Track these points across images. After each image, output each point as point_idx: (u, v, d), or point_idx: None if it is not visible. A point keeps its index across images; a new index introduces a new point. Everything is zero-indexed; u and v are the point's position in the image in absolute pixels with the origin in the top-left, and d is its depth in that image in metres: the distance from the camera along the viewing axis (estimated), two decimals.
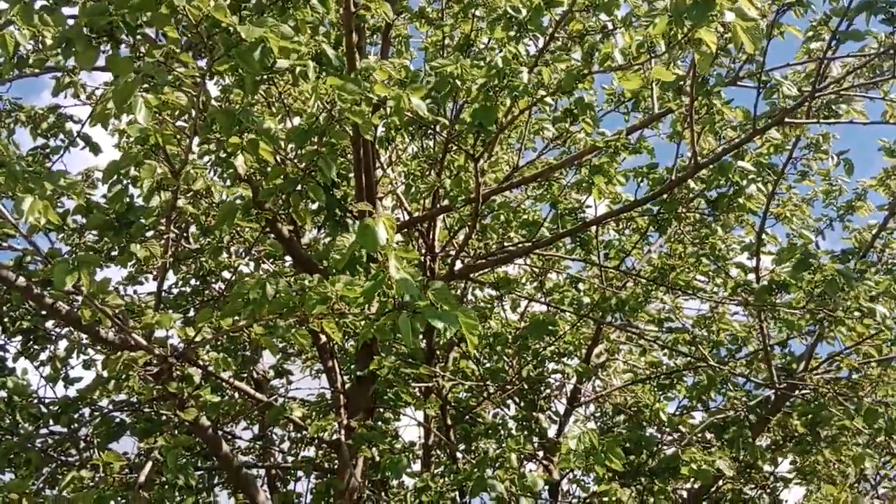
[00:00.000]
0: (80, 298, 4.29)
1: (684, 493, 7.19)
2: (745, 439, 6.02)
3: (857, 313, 5.43)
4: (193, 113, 3.76)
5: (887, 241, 7.30)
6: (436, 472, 6.02)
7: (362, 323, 3.64)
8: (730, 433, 6.09)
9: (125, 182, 4.36)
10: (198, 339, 4.31)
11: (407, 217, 7.03)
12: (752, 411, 6.59)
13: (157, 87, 3.52)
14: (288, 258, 6.66)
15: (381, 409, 6.40)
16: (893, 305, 5.54)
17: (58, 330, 6.45)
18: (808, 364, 6.58)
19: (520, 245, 6.60)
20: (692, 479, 6.23)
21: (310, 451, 7.82)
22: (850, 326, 5.54)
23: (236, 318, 3.88)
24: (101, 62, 3.68)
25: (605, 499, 5.05)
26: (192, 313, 6.77)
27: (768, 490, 7.22)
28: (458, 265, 6.56)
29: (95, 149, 6.57)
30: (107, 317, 4.22)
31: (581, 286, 7.29)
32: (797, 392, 6.29)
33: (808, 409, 5.75)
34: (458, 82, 4.33)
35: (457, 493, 6.37)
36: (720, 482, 6.83)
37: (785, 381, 6.25)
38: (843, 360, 6.39)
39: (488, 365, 7.33)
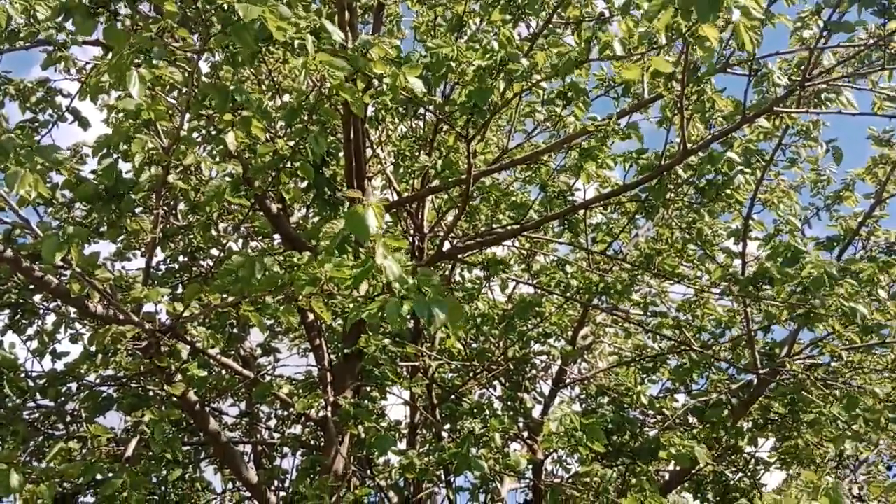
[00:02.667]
0: (68, 272, 4.30)
1: (667, 475, 7.29)
2: (725, 421, 6.10)
3: (837, 311, 5.47)
4: (186, 88, 3.76)
5: (872, 229, 7.36)
6: (421, 450, 6.08)
7: (351, 304, 3.67)
8: (711, 415, 6.17)
9: (115, 156, 4.36)
10: (186, 314, 4.33)
11: (396, 197, 7.05)
12: (734, 395, 6.67)
13: (152, 62, 3.52)
14: (277, 236, 6.67)
15: (368, 388, 6.45)
16: (870, 301, 5.60)
17: (45, 304, 6.46)
18: (791, 349, 6.66)
19: (508, 227, 6.63)
20: (673, 462, 6.31)
21: (296, 429, 7.88)
22: (829, 324, 5.60)
23: (224, 294, 3.90)
24: (93, 37, 3.67)
25: (587, 479, 5.12)
26: (180, 289, 6.78)
27: (749, 473, 7.32)
28: (447, 246, 6.58)
29: (84, 123, 6.55)
30: (95, 291, 4.23)
31: (569, 269, 7.33)
32: (778, 377, 6.36)
33: (787, 391, 5.83)
34: (453, 64, 4.34)
35: (442, 471, 6.45)
36: (701, 464, 6.93)
37: (767, 366, 6.32)
38: (825, 345, 6.46)
39: (475, 345, 7.38)
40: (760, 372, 6.35)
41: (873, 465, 8.13)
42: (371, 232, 2.91)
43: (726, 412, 6.42)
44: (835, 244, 6.98)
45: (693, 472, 6.91)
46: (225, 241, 5.51)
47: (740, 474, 7.26)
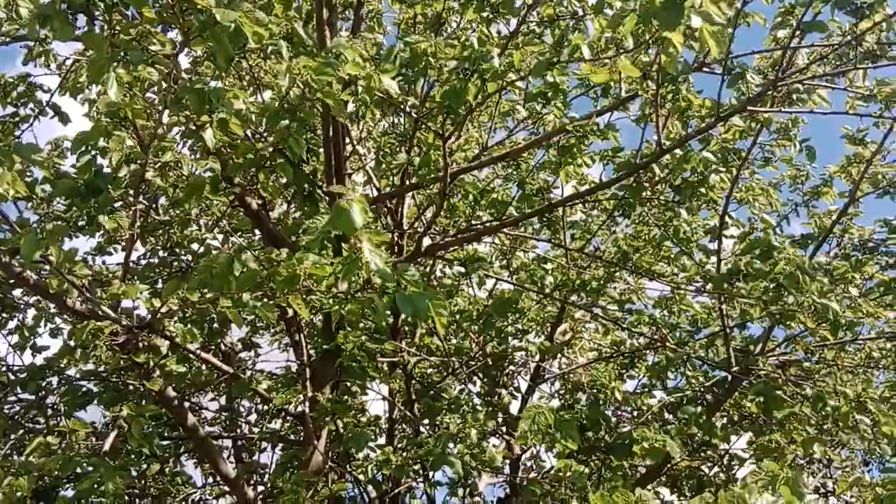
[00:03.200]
0: (48, 268, 4.32)
1: (643, 470, 7.37)
2: (699, 416, 6.19)
3: (811, 308, 5.56)
4: (165, 87, 3.79)
5: (847, 227, 7.47)
6: (398, 446, 6.13)
7: (330, 301, 3.71)
8: (686, 412, 6.25)
9: (94, 153, 4.37)
10: (164, 310, 4.36)
11: (376, 193, 7.08)
12: (709, 391, 6.76)
13: (130, 64, 3.54)
14: (257, 232, 6.70)
15: (348, 384, 6.49)
16: (842, 298, 5.70)
17: (26, 299, 6.46)
18: (766, 346, 6.75)
19: (487, 224, 6.68)
20: (646, 457, 6.40)
21: (276, 424, 7.92)
22: (801, 321, 5.69)
23: (203, 290, 3.93)
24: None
25: (562, 474, 5.19)
26: (159, 285, 6.80)
27: (723, 468, 7.42)
28: (426, 242, 6.63)
29: (64, 118, 6.55)
30: (74, 287, 4.25)
31: (548, 266, 7.40)
32: (752, 374, 6.45)
33: (760, 390, 5.92)
34: (432, 59, 4.38)
35: (420, 465, 6.50)
36: (676, 460, 7.02)
37: (741, 363, 6.41)
38: (799, 342, 6.56)
39: (454, 341, 7.44)
40: (734, 369, 6.44)
41: (847, 459, 8.24)
42: (357, 226, 2.96)
43: (700, 409, 6.51)
44: (809, 242, 7.07)
45: (668, 467, 7.00)
46: (204, 237, 5.53)
47: (715, 469, 7.36)
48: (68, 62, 5.82)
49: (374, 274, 2.98)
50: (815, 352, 6.94)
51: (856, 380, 6.70)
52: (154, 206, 7.22)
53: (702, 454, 7.29)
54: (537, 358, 7.50)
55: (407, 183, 6.67)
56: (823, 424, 5.83)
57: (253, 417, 8.18)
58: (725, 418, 7.07)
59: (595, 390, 6.97)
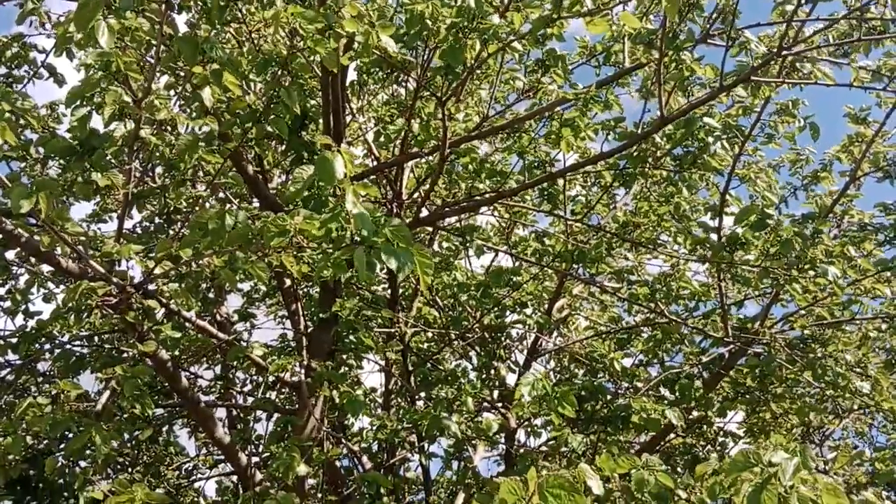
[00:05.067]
0: (39, 226, 4.26)
1: (637, 446, 7.36)
2: (696, 391, 6.16)
3: (810, 272, 5.54)
4: (156, 41, 3.72)
5: (847, 209, 7.42)
6: (394, 414, 6.10)
7: (318, 256, 3.66)
8: (683, 387, 6.22)
9: (88, 108, 4.31)
10: (157, 270, 4.31)
11: (375, 164, 7.02)
12: (706, 367, 6.73)
13: (120, 12, 3.47)
14: (256, 203, 6.64)
15: (344, 356, 6.46)
16: (846, 265, 5.66)
17: (18, 262, 6.41)
18: (763, 324, 6.72)
19: (486, 195, 6.63)
20: (644, 431, 6.38)
21: (271, 395, 7.89)
22: (803, 286, 5.65)
23: (195, 248, 3.88)
24: None
25: (556, 443, 5.15)
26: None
27: (717, 446, 7.41)
28: (425, 212, 6.58)
29: (59, 80, 6.49)
30: (66, 244, 4.20)
31: (547, 240, 7.35)
32: (750, 350, 6.42)
33: (757, 363, 5.89)
34: (429, 21, 4.31)
35: (415, 437, 6.48)
36: (671, 436, 7.00)
37: (738, 339, 6.38)
38: (796, 320, 6.53)
39: (451, 314, 7.40)
40: (732, 345, 6.41)
41: (841, 439, 8.25)
42: (338, 176, 2.90)
43: (697, 384, 6.48)
44: (809, 221, 7.02)
45: (663, 442, 6.98)
46: (198, 196, 5.47)
47: (709, 446, 7.34)
48: (62, 21, 5.73)
49: (359, 226, 2.92)
50: (811, 331, 6.91)
51: (855, 349, 6.66)
52: (150, 173, 7.17)
53: (696, 431, 7.28)
54: (535, 331, 7.46)
55: (406, 152, 6.60)
56: (825, 392, 5.80)
57: (248, 388, 8.16)
58: (721, 395, 7.05)
59: (593, 362, 6.94)
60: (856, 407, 6.62)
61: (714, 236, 6.62)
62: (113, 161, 4.86)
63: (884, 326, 7.15)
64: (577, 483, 2.53)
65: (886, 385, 5.51)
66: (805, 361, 5.94)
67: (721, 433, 7.26)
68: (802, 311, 6.60)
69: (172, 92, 5.06)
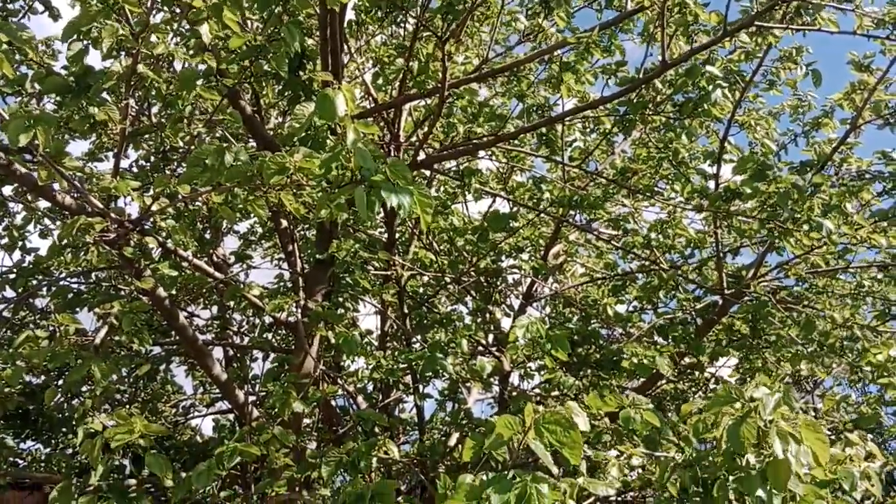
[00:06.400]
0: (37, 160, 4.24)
1: (628, 391, 7.46)
2: (689, 336, 6.22)
3: (805, 226, 5.55)
4: None
5: (846, 156, 7.40)
6: (389, 355, 6.15)
7: (318, 194, 3.65)
8: (676, 331, 6.28)
9: (85, 42, 4.26)
10: (155, 207, 4.30)
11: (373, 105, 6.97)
12: (699, 314, 6.79)
13: None
14: (252, 143, 6.61)
15: (341, 298, 6.49)
16: (841, 221, 5.67)
17: (15, 198, 6.40)
18: (757, 272, 6.76)
19: (485, 138, 6.60)
20: (635, 376, 6.45)
21: (268, 336, 7.95)
22: (797, 238, 5.68)
23: (194, 184, 3.88)
24: None
25: (549, 386, 5.22)
26: (152, 191, 6.72)
27: (709, 392, 7.50)
28: (422, 155, 6.55)
29: (55, 14, 6.38)
30: (63, 179, 4.19)
31: (544, 186, 7.34)
32: (743, 298, 6.47)
33: (750, 308, 5.94)
34: None
35: (410, 377, 6.55)
36: (662, 381, 7.09)
37: (732, 287, 6.42)
38: (790, 268, 6.56)
39: (448, 258, 7.42)
40: (726, 293, 6.45)
41: (830, 389, 8.36)
42: (339, 113, 2.89)
43: (690, 330, 6.55)
44: (808, 169, 7.01)
45: (654, 387, 7.07)
46: (196, 133, 5.44)
47: (700, 392, 7.44)
48: None
49: (359, 163, 2.91)
50: (806, 279, 6.95)
51: (845, 308, 6.72)
52: (147, 111, 7.11)
53: (687, 377, 7.37)
54: (530, 277, 7.50)
55: (405, 94, 6.54)
56: (810, 347, 5.87)
57: (245, 329, 8.21)
58: (713, 341, 7.12)
59: (587, 307, 6.99)
60: (842, 366, 6.70)
61: (712, 184, 6.62)
62: (109, 97, 4.82)
63: (880, 276, 7.20)
64: (572, 419, 2.57)
65: (870, 346, 5.57)
66: (793, 319, 5.99)
67: (713, 380, 7.35)
68: (797, 260, 6.63)
69: (170, 28, 4.99)
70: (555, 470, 2.51)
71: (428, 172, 7.73)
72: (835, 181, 7.39)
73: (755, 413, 2.84)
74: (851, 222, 5.63)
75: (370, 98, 7.16)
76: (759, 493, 2.78)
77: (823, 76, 6.66)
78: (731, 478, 2.91)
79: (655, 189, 7.07)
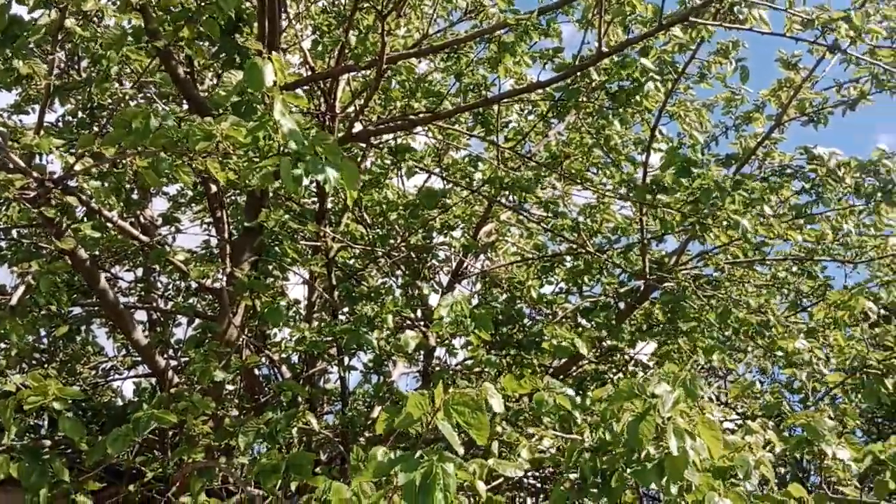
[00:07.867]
0: None
1: (551, 371, 7.61)
2: (609, 321, 6.37)
3: (724, 223, 5.72)
4: None
5: (769, 151, 7.64)
6: (315, 328, 6.15)
7: (244, 164, 3.63)
8: (598, 316, 6.43)
9: None
10: (78, 167, 4.21)
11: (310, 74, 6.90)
12: (621, 299, 6.95)
13: None
14: (185, 105, 6.48)
15: (269, 266, 6.45)
16: (757, 222, 5.86)
17: None
18: (679, 259, 6.95)
19: (421, 114, 6.61)
20: (557, 357, 6.59)
21: (193, 301, 7.86)
22: (716, 234, 5.86)
23: (119, 146, 3.80)
24: None
25: (472, 363, 5.30)
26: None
27: (628, 374, 7.70)
28: (358, 127, 6.53)
29: None
30: None
31: (481, 165, 7.39)
32: (664, 284, 6.65)
33: (668, 299, 6.12)
34: None
35: (335, 349, 6.57)
36: (583, 362, 7.25)
37: (655, 273, 6.59)
38: (710, 258, 6.77)
39: (379, 232, 7.43)
40: (648, 279, 6.62)
41: (742, 376, 8.67)
42: (267, 84, 2.87)
43: (612, 314, 6.70)
44: (733, 161, 7.22)
45: (576, 367, 7.23)
46: (125, 96, 5.32)
47: (620, 374, 7.63)
48: None
49: (287, 139, 2.90)
50: (724, 269, 7.17)
51: (760, 297, 6.97)
52: (75, 66, 6.90)
53: (608, 359, 7.55)
54: (460, 254, 7.57)
55: (343, 65, 6.50)
56: (726, 332, 6.08)
57: (169, 293, 8.10)
58: (634, 326, 7.31)
59: (512, 288, 7.09)
60: (756, 351, 6.95)
61: (640, 173, 6.77)
62: (35, 50, 4.68)
63: (794, 269, 7.47)
64: (480, 401, 2.64)
65: (781, 334, 5.81)
66: (710, 304, 6.20)
67: (632, 362, 7.54)
68: (717, 250, 6.84)
69: None
70: (461, 450, 2.57)
71: (363, 145, 7.70)
72: (758, 175, 7.63)
73: (654, 411, 2.97)
74: (767, 224, 5.83)
75: (307, 65, 7.09)
76: (654, 486, 2.93)
77: (756, 72, 6.87)
78: (628, 470, 3.05)
79: (586, 175, 7.19)
